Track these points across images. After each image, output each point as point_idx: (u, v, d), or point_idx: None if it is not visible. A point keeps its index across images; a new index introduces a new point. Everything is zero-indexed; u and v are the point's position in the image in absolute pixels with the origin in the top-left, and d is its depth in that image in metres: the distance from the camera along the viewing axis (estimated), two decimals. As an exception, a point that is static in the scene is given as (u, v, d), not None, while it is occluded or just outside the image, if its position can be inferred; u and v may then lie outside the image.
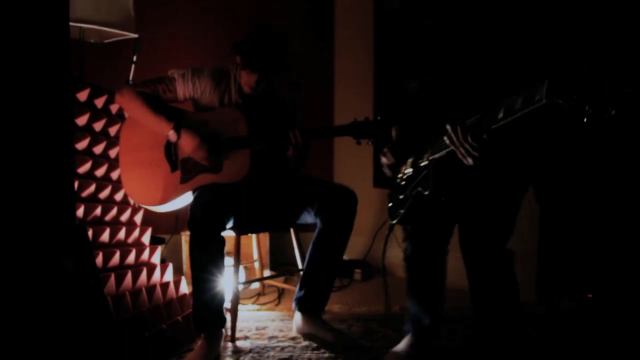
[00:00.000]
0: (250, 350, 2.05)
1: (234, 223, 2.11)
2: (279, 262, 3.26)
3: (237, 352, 2.05)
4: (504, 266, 1.73)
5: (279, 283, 2.77)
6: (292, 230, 2.38)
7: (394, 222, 1.77)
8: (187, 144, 2.06)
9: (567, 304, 2.55)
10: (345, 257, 3.41)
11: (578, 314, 2.45)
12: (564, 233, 2.61)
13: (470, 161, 1.45)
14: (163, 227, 3.05)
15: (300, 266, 2.36)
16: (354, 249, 3.14)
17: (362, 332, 2.24)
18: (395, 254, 2.88)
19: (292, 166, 2.20)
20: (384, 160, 1.82)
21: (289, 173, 2.22)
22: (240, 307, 2.60)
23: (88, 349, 1.66)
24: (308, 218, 2.20)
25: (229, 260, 2.71)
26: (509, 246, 1.75)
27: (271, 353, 2.03)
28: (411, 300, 1.92)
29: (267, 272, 2.95)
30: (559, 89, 1.12)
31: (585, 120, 1.10)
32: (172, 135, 2.07)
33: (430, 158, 1.60)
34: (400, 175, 1.81)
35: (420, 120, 1.75)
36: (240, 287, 2.72)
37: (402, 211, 1.71)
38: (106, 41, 2.62)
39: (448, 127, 1.45)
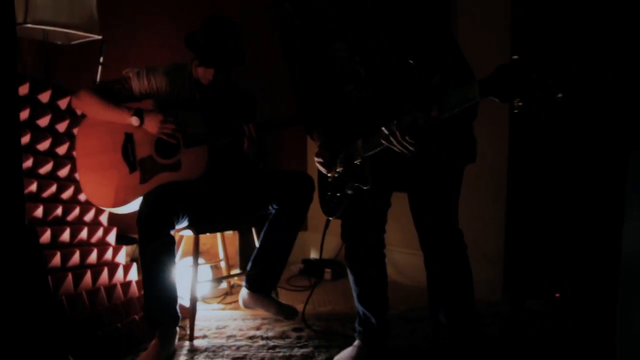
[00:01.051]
0: (206, 349, 2.06)
1: (190, 222, 2.13)
2: (252, 261, 3.27)
3: (193, 350, 2.06)
4: (456, 244, 1.77)
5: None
6: (253, 230, 2.40)
7: (332, 217, 1.80)
8: (153, 122, 2.08)
9: (534, 304, 2.56)
10: (315, 256, 3.46)
11: (543, 313, 2.46)
12: (528, 234, 2.62)
13: (408, 154, 1.48)
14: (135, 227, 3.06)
15: (223, 265, 2.43)
16: (326, 248, 3.14)
17: (322, 331, 2.25)
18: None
19: (251, 160, 2.21)
20: (318, 159, 1.84)
21: (247, 168, 2.24)
22: (205, 306, 2.63)
23: (33, 348, 1.67)
24: (269, 210, 2.23)
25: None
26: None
27: (226, 352, 2.04)
28: (357, 300, 1.94)
29: (236, 272, 2.97)
30: (489, 87, 1.15)
31: (516, 111, 1.14)
32: (134, 120, 2.08)
33: (365, 155, 1.62)
34: (334, 173, 1.82)
35: (348, 119, 1.78)
36: (206, 286, 2.75)
37: (340, 207, 1.73)
38: (73, 43, 2.64)
39: (384, 129, 1.47)
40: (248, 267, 2.29)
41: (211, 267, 2.78)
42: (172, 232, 2.01)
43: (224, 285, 2.84)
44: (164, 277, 1.97)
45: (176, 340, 2.05)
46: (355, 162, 1.66)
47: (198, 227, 2.18)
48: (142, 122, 2.09)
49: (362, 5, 1.72)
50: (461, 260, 1.78)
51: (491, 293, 2.67)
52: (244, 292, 2.29)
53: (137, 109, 2.10)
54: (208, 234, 2.56)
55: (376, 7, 1.72)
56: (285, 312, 2.21)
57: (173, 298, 2.01)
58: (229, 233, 2.93)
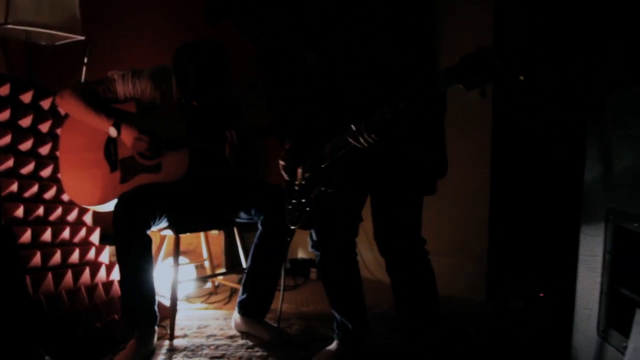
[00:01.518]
0: (185, 349, 2.07)
1: (169, 222, 2.13)
2: (237, 261, 3.27)
3: (172, 350, 2.07)
4: (418, 253, 1.77)
5: (231, 283, 2.79)
6: (235, 230, 2.41)
7: (295, 226, 1.77)
8: (128, 137, 2.08)
9: (516, 304, 2.56)
10: (302, 255, 3.45)
11: (525, 312, 2.46)
12: (512, 235, 2.63)
13: (370, 148, 1.49)
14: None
15: (244, 265, 2.39)
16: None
17: (303, 331, 2.26)
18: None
19: (233, 166, 2.21)
20: (282, 163, 1.84)
21: (228, 173, 2.23)
22: (188, 305, 2.64)
23: (5, 346, 1.68)
24: (247, 218, 2.22)
25: (181, 259, 2.75)
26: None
27: (205, 351, 2.05)
28: (331, 306, 1.95)
29: (220, 272, 2.97)
30: (455, 74, 1.17)
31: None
32: (112, 131, 2.09)
33: (333, 156, 1.62)
34: (298, 180, 1.81)
35: (314, 125, 1.79)
36: (190, 285, 2.76)
37: (303, 215, 1.71)
38: (57, 43, 2.65)
39: (352, 126, 1.47)
40: (240, 292, 2.27)
41: (196, 266, 2.79)
42: (149, 232, 2.01)
43: (209, 285, 2.85)
44: (141, 277, 1.97)
45: (155, 340, 2.05)
46: (323, 165, 1.66)
47: (178, 227, 2.19)
48: (119, 134, 2.09)
49: (361, 6, 1.73)
50: (425, 267, 1.78)
51: (475, 293, 2.68)
52: (236, 316, 2.25)
53: (116, 120, 2.09)
54: (190, 233, 2.55)
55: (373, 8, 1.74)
56: (278, 338, 2.13)
57: (151, 298, 2.02)
58: (214, 233, 2.94)
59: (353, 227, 1.86)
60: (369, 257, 2.96)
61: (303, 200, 1.75)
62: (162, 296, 2.64)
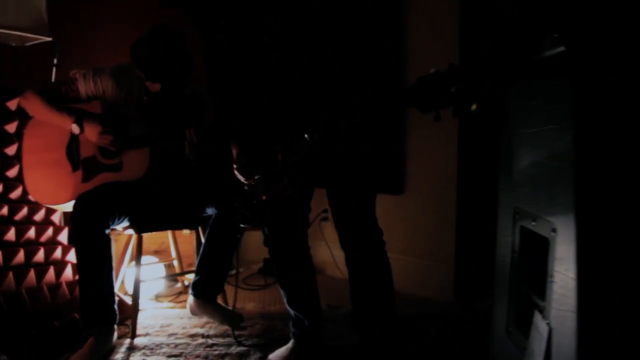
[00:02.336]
0: (145, 347, 2.09)
1: (130, 221, 2.15)
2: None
3: (132, 348, 2.09)
4: (376, 243, 1.80)
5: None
6: (200, 230, 2.43)
7: (247, 225, 1.78)
8: (92, 132, 2.09)
9: (482, 304, 2.57)
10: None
11: (489, 313, 2.47)
12: (478, 237, 2.63)
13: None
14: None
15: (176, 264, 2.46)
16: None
17: (265, 330, 2.27)
18: (327, 253, 2.92)
19: (194, 164, 2.23)
20: (236, 166, 1.85)
21: (189, 171, 2.25)
22: (156, 304, 2.65)
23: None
24: (210, 212, 2.25)
25: (150, 259, 2.77)
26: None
27: (164, 349, 2.06)
28: (287, 304, 1.96)
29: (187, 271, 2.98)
30: (410, 98, 1.20)
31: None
32: (75, 128, 2.10)
33: (287, 162, 1.63)
34: (252, 181, 1.82)
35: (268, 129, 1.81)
36: (159, 284, 2.77)
37: (255, 215, 1.72)
38: (28, 44, 2.67)
39: (306, 136, 1.51)
40: (194, 275, 2.30)
41: (165, 266, 2.81)
42: (109, 232, 2.03)
43: (180, 284, 2.86)
44: (99, 276, 1.99)
45: (114, 338, 2.07)
46: (275, 169, 1.67)
47: (139, 227, 2.21)
48: (82, 130, 2.11)
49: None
50: (381, 259, 1.80)
51: (443, 294, 2.69)
52: (190, 299, 2.28)
53: (78, 117, 2.11)
54: (161, 233, 2.56)
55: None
56: (230, 320, 2.19)
57: (109, 297, 2.03)
58: (186, 232, 2.95)
59: (304, 220, 1.88)
60: (340, 257, 2.97)
61: (254, 202, 1.76)
62: (130, 295, 2.68)
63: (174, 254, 2.71)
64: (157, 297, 2.72)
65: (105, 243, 2.01)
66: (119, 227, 2.16)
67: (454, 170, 2.65)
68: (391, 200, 2.83)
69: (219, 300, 2.38)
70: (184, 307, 2.60)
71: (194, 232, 2.98)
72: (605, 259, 0.74)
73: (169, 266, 2.78)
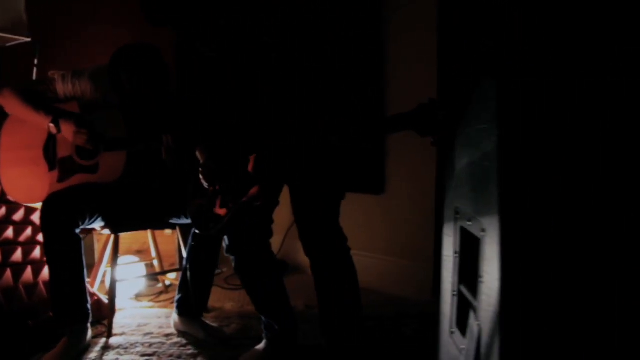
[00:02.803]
0: (119, 346, 2.10)
1: (105, 221, 2.16)
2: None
3: (106, 347, 2.09)
4: (340, 250, 1.80)
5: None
6: (177, 230, 2.44)
7: (209, 233, 1.78)
8: (68, 131, 2.10)
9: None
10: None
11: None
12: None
13: None
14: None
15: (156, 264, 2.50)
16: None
17: (241, 330, 2.28)
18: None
19: (170, 168, 2.24)
20: (202, 173, 1.84)
21: (166, 175, 2.26)
22: (136, 304, 2.66)
23: None
24: (185, 219, 2.25)
25: (131, 258, 2.78)
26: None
27: (138, 349, 2.07)
28: (256, 309, 1.97)
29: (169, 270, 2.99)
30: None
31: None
32: (52, 127, 2.12)
33: (259, 171, 1.64)
34: (215, 188, 1.83)
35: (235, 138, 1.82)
36: (140, 284, 2.78)
37: (220, 223, 1.70)
38: (8, 45, 2.68)
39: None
40: (176, 291, 2.31)
41: (146, 265, 2.82)
42: (78, 231, 2.03)
43: (161, 284, 2.87)
44: (70, 275, 1.99)
45: (88, 338, 2.08)
46: (244, 175, 1.68)
47: (115, 227, 2.22)
48: (59, 129, 2.12)
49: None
50: (346, 265, 1.81)
51: (421, 293, 2.69)
52: (174, 317, 2.29)
53: (55, 116, 2.12)
54: (129, 232, 2.56)
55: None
56: (213, 337, 2.17)
57: (80, 296, 2.03)
58: (168, 232, 2.96)
59: (266, 229, 1.88)
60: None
61: (214, 210, 1.75)
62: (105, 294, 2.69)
63: (154, 253, 2.72)
64: (138, 297, 2.73)
65: (75, 243, 2.01)
66: (94, 226, 2.17)
67: (434, 170, 2.66)
68: (372, 200, 2.84)
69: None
70: (164, 306, 2.62)
71: (175, 231, 3.00)
72: (529, 260, 0.75)
73: (150, 266, 2.79)
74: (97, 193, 2.13)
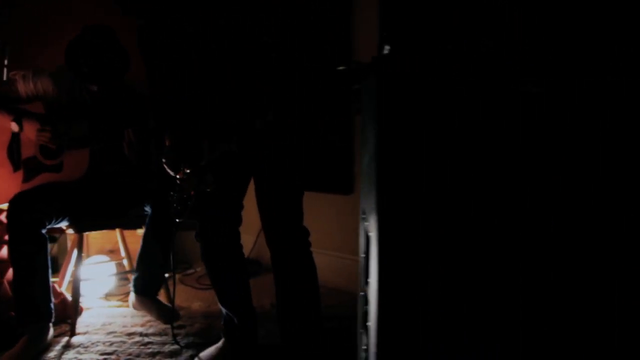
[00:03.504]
0: (80, 345, 2.11)
1: (70, 221, 2.18)
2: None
3: (67, 346, 2.11)
4: (301, 243, 1.81)
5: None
6: (117, 230, 2.48)
7: (180, 220, 1.81)
8: (31, 129, 2.13)
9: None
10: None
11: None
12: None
13: None
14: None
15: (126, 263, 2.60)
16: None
17: (202, 329, 2.29)
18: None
19: (133, 163, 2.25)
20: (164, 159, 1.87)
21: (129, 170, 2.28)
22: (104, 303, 2.68)
23: None
24: (148, 211, 2.28)
25: (101, 258, 2.79)
26: None
27: (98, 347, 2.09)
28: (218, 301, 1.98)
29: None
30: None
31: None
32: (13, 125, 2.14)
33: (210, 158, 1.67)
34: (182, 175, 1.85)
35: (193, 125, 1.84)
36: (110, 283, 2.79)
37: (185, 210, 1.74)
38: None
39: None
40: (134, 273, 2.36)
41: (116, 264, 2.83)
42: (44, 232, 2.05)
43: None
44: (34, 275, 2.01)
45: (49, 337, 2.09)
46: (201, 163, 1.70)
47: (79, 226, 2.23)
48: (21, 128, 2.14)
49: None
50: (306, 260, 1.82)
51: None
52: (132, 296, 2.35)
53: (17, 115, 2.14)
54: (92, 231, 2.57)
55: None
56: (163, 316, 2.25)
57: (43, 295, 2.05)
58: (140, 232, 2.97)
59: (235, 217, 1.89)
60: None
61: (185, 196, 1.79)
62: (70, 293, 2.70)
63: (123, 253, 2.73)
64: (107, 296, 2.74)
65: (40, 243, 2.03)
66: (60, 226, 2.19)
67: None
68: (341, 200, 2.85)
69: (163, 298, 2.42)
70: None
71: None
72: (401, 261, 0.76)
73: (120, 265, 2.81)
74: (63, 192, 2.15)
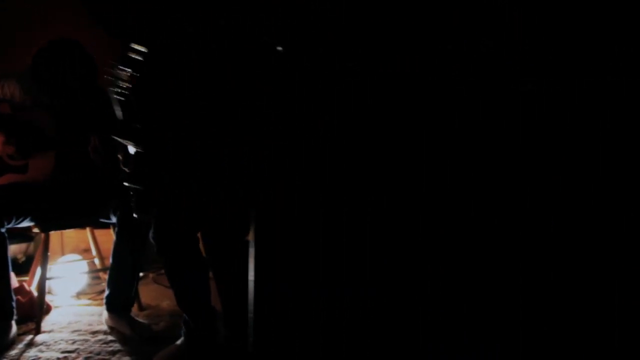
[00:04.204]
0: (43, 343, 2.13)
1: (34, 220, 2.20)
2: (150, 258, 3.33)
3: (30, 344, 2.13)
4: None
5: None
6: (88, 229, 2.49)
7: (138, 216, 1.81)
8: None
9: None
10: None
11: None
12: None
13: None
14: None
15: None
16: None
17: (167, 328, 2.31)
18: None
19: (99, 166, 2.27)
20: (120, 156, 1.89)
21: (95, 173, 2.30)
22: (74, 302, 2.70)
23: None
24: (112, 218, 2.29)
25: (73, 257, 2.82)
26: None
27: (61, 345, 2.11)
28: (176, 300, 2.00)
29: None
30: None
31: None
32: None
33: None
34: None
35: None
36: (82, 282, 2.82)
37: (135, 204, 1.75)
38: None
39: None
40: (105, 289, 2.36)
41: (89, 263, 2.85)
42: (3, 231, 2.07)
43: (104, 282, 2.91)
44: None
45: (11, 335, 2.11)
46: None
47: (44, 225, 2.26)
48: None
49: None
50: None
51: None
52: (104, 313, 2.33)
53: None
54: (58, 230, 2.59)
55: None
56: (138, 334, 2.20)
57: (4, 294, 2.08)
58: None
59: (191, 216, 1.89)
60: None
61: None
62: (50, 293, 2.73)
63: (94, 252, 2.76)
64: (78, 295, 2.77)
65: (0, 242, 2.05)
66: (22, 225, 2.21)
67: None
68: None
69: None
70: (100, 304, 2.64)
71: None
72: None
73: (91, 264, 2.83)
74: (26, 193, 2.17)
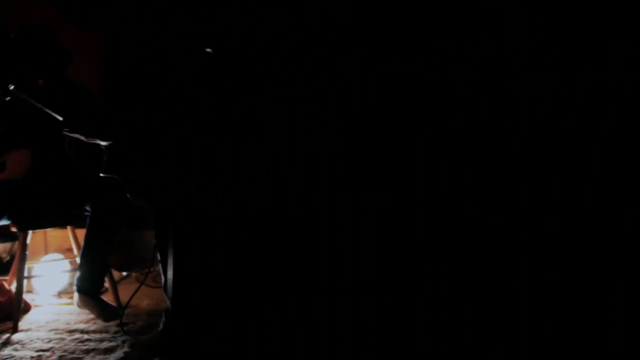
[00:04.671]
0: (19, 342, 2.14)
1: (11, 219, 2.21)
2: (134, 258, 3.34)
3: (5, 343, 2.13)
4: None
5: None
6: (69, 228, 2.49)
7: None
8: None
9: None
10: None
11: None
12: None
13: None
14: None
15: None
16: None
17: (145, 326, 2.31)
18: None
19: (74, 161, 2.28)
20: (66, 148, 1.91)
21: (70, 169, 2.31)
22: (56, 301, 2.71)
23: None
24: (87, 208, 2.31)
25: (55, 256, 2.82)
26: None
27: (36, 344, 2.12)
28: (164, 290, 2.01)
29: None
30: None
31: None
32: None
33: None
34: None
35: None
36: (63, 280, 2.82)
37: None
38: None
39: None
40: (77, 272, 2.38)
41: (71, 262, 2.85)
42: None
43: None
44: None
45: (-11, 333, 2.13)
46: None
47: (21, 225, 2.26)
48: None
49: None
50: None
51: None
52: (75, 295, 2.37)
53: None
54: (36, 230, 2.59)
55: None
56: (104, 314, 2.28)
57: None
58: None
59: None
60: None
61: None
62: (32, 292, 2.74)
63: (75, 250, 2.76)
64: (60, 294, 2.77)
65: None
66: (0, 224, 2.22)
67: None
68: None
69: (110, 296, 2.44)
70: (81, 303, 2.66)
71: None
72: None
73: (73, 262, 2.83)
74: (3, 191, 2.18)
